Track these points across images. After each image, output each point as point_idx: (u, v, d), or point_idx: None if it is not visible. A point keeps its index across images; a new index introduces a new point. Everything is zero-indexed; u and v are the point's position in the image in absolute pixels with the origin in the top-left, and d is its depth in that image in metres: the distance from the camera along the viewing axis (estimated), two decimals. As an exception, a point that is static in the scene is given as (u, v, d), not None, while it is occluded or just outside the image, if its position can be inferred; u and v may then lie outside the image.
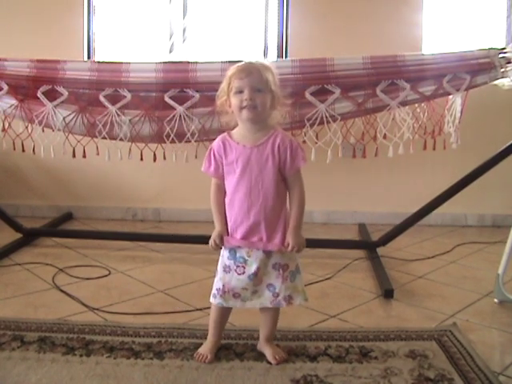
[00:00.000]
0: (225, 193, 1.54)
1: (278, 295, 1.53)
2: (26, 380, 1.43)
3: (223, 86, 1.52)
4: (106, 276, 2.34)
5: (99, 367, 1.51)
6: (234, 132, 1.54)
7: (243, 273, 1.52)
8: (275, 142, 1.49)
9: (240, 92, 1.46)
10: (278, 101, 1.52)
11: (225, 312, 1.60)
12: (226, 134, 1.55)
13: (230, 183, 1.52)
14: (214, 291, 1.56)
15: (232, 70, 1.50)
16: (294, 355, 1.59)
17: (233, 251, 1.53)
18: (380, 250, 2.66)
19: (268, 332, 1.60)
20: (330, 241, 2.89)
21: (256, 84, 1.46)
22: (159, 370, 1.50)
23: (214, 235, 1.52)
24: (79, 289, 2.16)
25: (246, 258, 1.52)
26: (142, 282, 2.27)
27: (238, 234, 1.51)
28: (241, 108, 1.46)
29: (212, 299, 1.56)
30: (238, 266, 1.52)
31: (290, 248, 1.49)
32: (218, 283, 1.56)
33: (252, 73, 1.46)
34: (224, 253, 1.56)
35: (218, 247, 1.54)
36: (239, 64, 1.50)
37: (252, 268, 1.51)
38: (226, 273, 1.54)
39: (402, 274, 2.41)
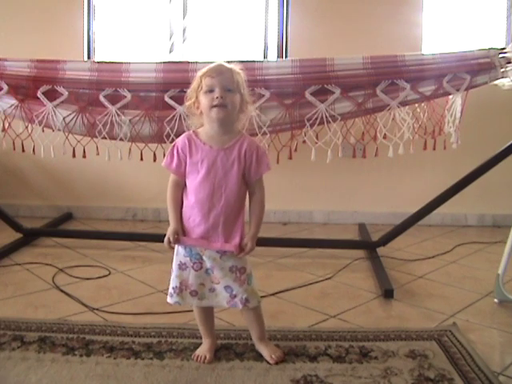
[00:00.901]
0: (182, 189, 1.54)
1: (235, 296, 1.54)
2: (26, 380, 1.43)
3: (193, 86, 1.53)
4: (106, 276, 2.34)
5: (99, 367, 1.51)
6: (201, 131, 1.54)
7: (201, 268, 1.53)
8: (242, 146, 1.50)
9: (210, 91, 1.46)
10: (246, 105, 1.53)
11: (207, 311, 1.60)
12: (191, 132, 1.55)
13: (191, 182, 1.51)
14: (170, 290, 1.56)
15: (203, 70, 1.50)
16: (294, 355, 1.59)
17: (188, 248, 1.53)
18: (380, 250, 2.66)
19: (257, 332, 1.60)
20: (330, 241, 2.89)
21: (227, 84, 1.46)
22: (159, 370, 1.50)
23: (170, 233, 1.51)
24: (79, 289, 2.16)
25: (201, 254, 1.52)
26: (142, 281, 2.27)
27: (195, 234, 1.50)
28: (211, 107, 1.46)
29: (169, 299, 1.56)
30: (194, 263, 1.53)
31: (247, 250, 1.50)
32: (174, 281, 1.55)
33: (223, 72, 1.47)
34: (180, 250, 1.55)
35: (172, 246, 1.53)
36: (210, 65, 1.51)
37: (208, 264, 1.52)
38: (182, 270, 1.54)
39: (402, 274, 2.41)
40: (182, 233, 1.51)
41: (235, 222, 1.51)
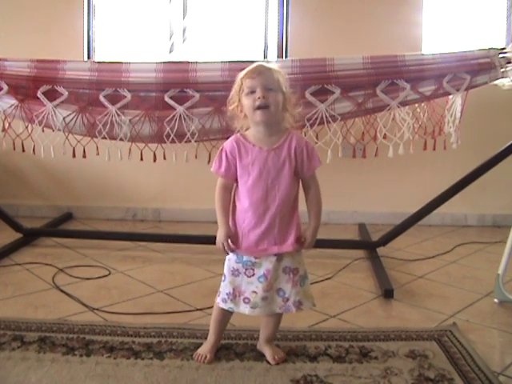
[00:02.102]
0: (231, 193, 1.52)
1: (287, 300, 1.52)
2: (26, 380, 1.42)
3: (234, 89, 1.51)
4: (106, 276, 2.34)
5: (99, 367, 1.50)
6: (248, 134, 1.52)
7: (253, 275, 1.50)
8: (291, 144, 1.49)
9: (252, 92, 1.45)
10: (290, 103, 1.52)
11: (229, 314, 1.59)
12: (239, 134, 1.52)
13: (243, 185, 1.49)
14: (223, 296, 1.53)
15: (242, 72, 1.49)
16: (294, 355, 1.59)
17: (240, 254, 1.52)
18: (380, 250, 2.66)
19: (269, 333, 1.60)
20: (330, 241, 2.88)
21: (268, 83, 1.45)
22: (159, 370, 1.50)
23: (222, 238, 1.49)
24: (79, 289, 2.16)
25: (254, 260, 1.50)
26: (142, 281, 2.27)
27: (251, 237, 1.48)
28: (254, 109, 1.45)
29: (222, 304, 1.54)
30: (246, 269, 1.51)
31: (307, 244, 1.50)
32: (227, 287, 1.53)
33: (263, 72, 1.46)
34: (231, 256, 1.53)
35: (228, 251, 1.51)
36: (250, 67, 1.49)
37: (261, 270, 1.50)
38: (235, 276, 1.52)
39: (402, 274, 2.41)
40: (234, 237, 1.49)
41: (291, 222, 1.50)
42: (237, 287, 1.52)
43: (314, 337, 1.71)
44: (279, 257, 1.50)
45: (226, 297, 1.53)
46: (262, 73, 1.46)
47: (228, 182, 1.52)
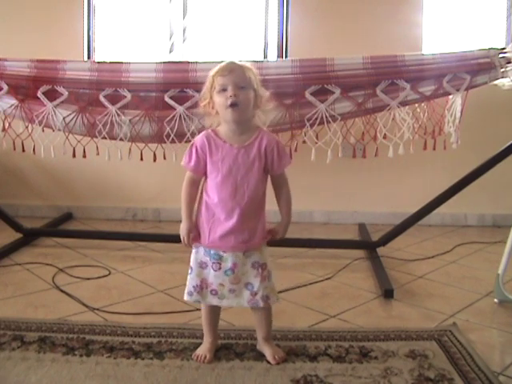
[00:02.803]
0: (198, 188, 1.55)
1: (256, 294, 1.54)
2: (26, 380, 1.43)
3: (206, 86, 1.52)
4: (106, 276, 2.34)
5: (99, 367, 1.51)
6: (220, 130, 1.54)
7: (219, 269, 1.53)
8: (262, 142, 1.50)
9: (223, 90, 1.46)
10: (261, 100, 1.53)
11: (215, 310, 1.60)
12: (210, 130, 1.54)
13: (213, 181, 1.51)
14: (189, 289, 1.56)
15: (214, 69, 1.50)
16: (294, 355, 1.59)
17: (208, 248, 1.54)
18: (380, 250, 2.66)
19: (264, 332, 1.60)
20: (330, 241, 2.89)
21: (239, 81, 1.46)
22: (159, 370, 1.50)
23: (184, 232, 1.53)
24: (79, 289, 2.16)
25: (221, 254, 1.52)
26: (142, 281, 2.27)
27: (217, 233, 1.51)
28: (225, 107, 1.46)
29: (188, 297, 1.56)
30: (213, 263, 1.53)
31: (278, 237, 1.55)
32: (193, 280, 1.56)
33: (234, 70, 1.47)
34: (199, 249, 1.56)
35: (188, 245, 1.55)
36: (221, 64, 1.51)
37: (228, 264, 1.52)
38: (202, 269, 1.55)
39: (402, 274, 2.41)
40: (194, 231, 1.53)
41: (258, 219, 1.53)
42: (204, 279, 1.55)
43: (314, 337, 1.71)
44: (246, 252, 1.53)
45: (192, 289, 1.55)
46: (233, 70, 1.47)
47: (196, 177, 1.54)
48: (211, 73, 1.50)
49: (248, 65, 1.52)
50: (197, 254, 1.57)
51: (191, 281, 1.56)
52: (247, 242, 1.51)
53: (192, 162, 1.52)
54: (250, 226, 1.51)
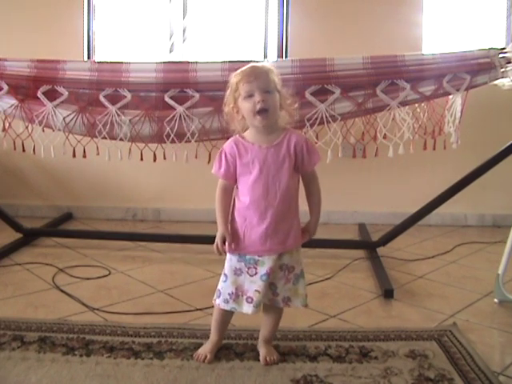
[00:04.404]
0: (231, 194, 1.53)
1: (277, 295, 1.53)
2: (26, 380, 1.43)
3: (229, 92, 1.51)
4: (106, 276, 2.34)
5: (99, 367, 1.51)
6: (247, 134, 1.53)
7: (255, 274, 1.50)
8: (290, 141, 1.50)
9: (250, 96, 1.45)
10: (285, 101, 1.52)
11: (229, 313, 1.59)
12: (237, 136, 1.53)
13: (244, 184, 1.50)
14: (225, 296, 1.53)
15: (237, 75, 1.49)
16: (294, 355, 1.59)
17: (243, 254, 1.52)
18: (380, 250, 2.66)
19: (268, 333, 1.60)
20: (330, 241, 2.88)
21: (265, 86, 1.45)
22: (159, 370, 1.50)
23: (217, 238, 1.51)
24: (79, 289, 2.16)
25: (257, 258, 1.50)
26: (142, 281, 2.27)
27: (253, 236, 1.49)
28: (254, 113, 1.45)
29: (224, 305, 1.53)
30: (249, 268, 1.51)
31: (307, 237, 1.54)
32: (229, 287, 1.52)
33: (259, 75, 1.46)
34: (232, 256, 1.53)
35: (223, 252, 1.52)
36: (243, 69, 1.49)
37: (264, 268, 1.50)
38: (237, 276, 1.52)
39: (402, 274, 2.41)
40: (230, 238, 1.50)
41: (292, 219, 1.52)
42: (239, 287, 1.52)
43: (314, 337, 1.71)
44: (280, 254, 1.51)
45: (228, 297, 1.52)
46: (258, 76, 1.46)
47: (228, 184, 1.53)
48: (234, 79, 1.49)
49: (269, 66, 1.52)
50: (230, 262, 1.54)
51: (226, 288, 1.53)
52: (283, 243, 1.50)
53: (222, 168, 1.51)
54: (285, 227, 1.50)
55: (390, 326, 1.81)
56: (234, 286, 1.52)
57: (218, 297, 1.55)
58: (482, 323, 1.87)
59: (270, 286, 1.53)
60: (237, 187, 1.53)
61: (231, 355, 1.59)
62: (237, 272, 1.52)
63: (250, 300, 1.51)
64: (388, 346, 1.66)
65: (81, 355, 1.57)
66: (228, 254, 1.54)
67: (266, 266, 1.50)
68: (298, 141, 1.50)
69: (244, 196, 1.50)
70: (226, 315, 1.59)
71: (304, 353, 1.61)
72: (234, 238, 1.51)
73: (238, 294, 1.52)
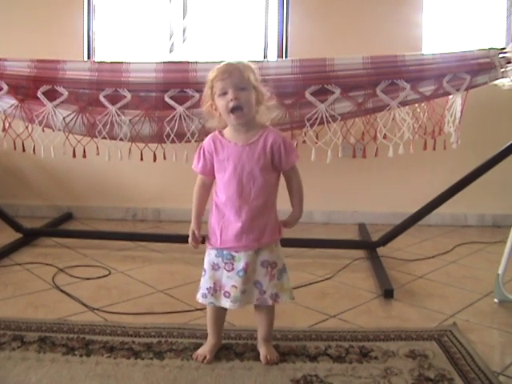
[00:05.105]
0: (209, 190, 1.57)
1: (264, 293, 1.54)
2: (26, 380, 1.43)
3: (206, 90, 1.52)
4: (106, 276, 2.34)
5: (99, 367, 1.51)
6: (226, 131, 1.55)
7: (232, 269, 1.52)
8: (267, 140, 1.50)
9: (224, 93, 1.46)
10: (263, 96, 1.53)
11: (221, 312, 1.60)
12: (217, 132, 1.55)
13: (220, 180, 1.52)
14: (203, 291, 1.56)
15: (212, 72, 1.50)
16: (294, 355, 1.59)
17: (220, 249, 1.54)
18: (380, 250, 2.66)
19: (264, 331, 1.60)
20: (330, 241, 2.89)
21: (238, 82, 1.46)
22: (159, 370, 1.50)
23: (190, 230, 1.56)
24: (79, 289, 2.16)
25: (234, 254, 1.52)
26: (142, 281, 2.27)
27: (228, 233, 1.51)
28: (228, 111, 1.46)
29: (202, 299, 1.56)
30: (226, 263, 1.53)
31: (289, 226, 1.56)
32: (207, 282, 1.55)
33: (233, 72, 1.46)
34: (211, 251, 1.56)
35: (197, 244, 1.56)
36: (218, 66, 1.50)
37: (240, 264, 1.52)
38: (215, 270, 1.55)
39: (402, 274, 2.41)
40: (198, 233, 1.55)
41: (268, 216, 1.53)
42: (217, 281, 1.54)
43: (314, 337, 1.71)
44: (257, 250, 1.53)
45: (206, 291, 1.55)
46: (232, 73, 1.46)
47: (206, 179, 1.56)
48: (210, 76, 1.50)
49: (245, 63, 1.52)
50: (209, 256, 1.56)
51: (205, 283, 1.56)
52: (258, 240, 1.51)
53: (200, 164, 1.54)
54: (260, 224, 1.51)
55: (390, 326, 1.81)
56: (212, 281, 1.54)
57: (198, 292, 1.58)
58: (482, 323, 1.87)
59: (256, 284, 1.54)
60: (215, 183, 1.55)
61: (231, 355, 1.59)
62: (214, 267, 1.55)
63: (227, 295, 1.53)
64: (388, 345, 1.66)
65: (81, 355, 1.57)
66: (207, 249, 1.57)
67: (242, 261, 1.52)
68: (275, 140, 1.50)
69: (221, 193, 1.52)
70: (219, 313, 1.60)
71: (304, 353, 1.61)
72: (212, 233, 1.54)
73: (215, 289, 1.54)
